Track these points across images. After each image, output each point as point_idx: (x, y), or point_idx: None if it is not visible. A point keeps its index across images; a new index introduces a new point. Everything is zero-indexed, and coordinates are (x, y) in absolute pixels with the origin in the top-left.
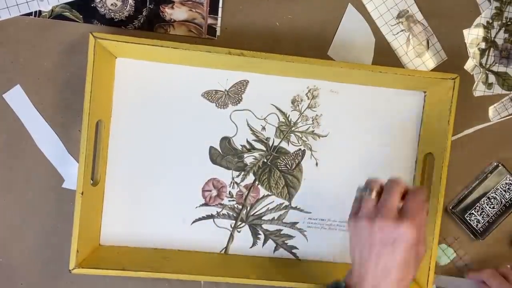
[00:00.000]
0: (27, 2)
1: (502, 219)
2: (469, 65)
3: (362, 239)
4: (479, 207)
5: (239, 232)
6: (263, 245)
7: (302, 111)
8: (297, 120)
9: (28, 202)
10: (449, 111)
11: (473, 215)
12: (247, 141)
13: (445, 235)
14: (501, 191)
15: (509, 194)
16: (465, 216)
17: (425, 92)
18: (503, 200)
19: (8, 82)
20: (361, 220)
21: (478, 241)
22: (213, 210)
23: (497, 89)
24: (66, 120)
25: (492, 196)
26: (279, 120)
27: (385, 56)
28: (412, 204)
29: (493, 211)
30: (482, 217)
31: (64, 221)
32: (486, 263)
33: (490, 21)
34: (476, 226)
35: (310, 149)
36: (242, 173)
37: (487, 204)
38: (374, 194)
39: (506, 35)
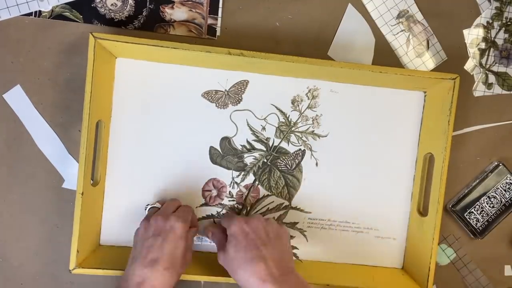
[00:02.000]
0: (27, 2)
1: (502, 219)
2: (469, 65)
3: (143, 235)
4: (479, 206)
5: None
6: None
7: (302, 111)
8: (297, 120)
9: (28, 202)
10: (449, 111)
11: (473, 214)
12: (247, 141)
13: (444, 234)
14: (501, 191)
15: (509, 193)
16: (465, 214)
17: (425, 92)
18: (503, 200)
19: (8, 82)
20: (143, 222)
21: (478, 241)
22: (213, 210)
23: (497, 89)
24: (66, 120)
25: (492, 196)
26: (279, 120)
27: (385, 56)
28: (181, 209)
29: (493, 210)
30: (482, 216)
31: (64, 221)
32: (486, 263)
33: (490, 21)
34: (476, 225)
35: (310, 149)
36: (242, 173)
37: (487, 203)
38: (155, 206)
39: (506, 35)
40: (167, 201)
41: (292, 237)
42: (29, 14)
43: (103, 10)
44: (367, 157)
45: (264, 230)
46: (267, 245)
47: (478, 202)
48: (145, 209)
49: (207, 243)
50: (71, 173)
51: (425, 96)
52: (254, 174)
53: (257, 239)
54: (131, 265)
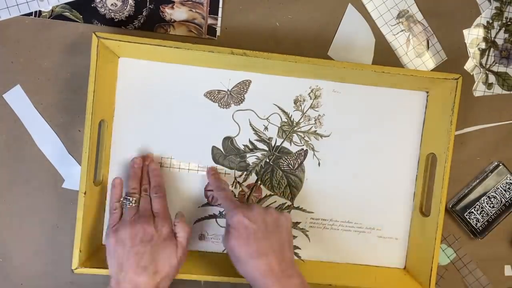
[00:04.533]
0: (27, 2)
1: (502, 219)
2: (469, 65)
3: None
4: (479, 206)
5: None
6: None
7: (304, 111)
8: (299, 120)
9: (28, 202)
10: (451, 111)
11: (473, 214)
12: (250, 141)
13: (444, 234)
14: (501, 191)
15: (509, 193)
16: (465, 214)
17: (427, 92)
18: (503, 200)
19: (8, 82)
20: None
21: (478, 241)
22: (215, 210)
23: (497, 89)
24: (66, 120)
25: (492, 195)
26: (281, 120)
27: (385, 56)
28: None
29: (493, 210)
30: (482, 216)
31: (64, 221)
32: (486, 263)
33: (490, 21)
34: (476, 225)
35: (313, 149)
36: (245, 173)
37: (487, 203)
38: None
39: (506, 35)
40: (141, 196)
41: (294, 236)
42: (29, 14)
43: (103, 10)
44: (369, 157)
45: (264, 221)
46: (267, 238)
47: (478, 202)
48: (124, 205)
49: (208, 243)
50: (71, 173)
51: (427, 96)
52: (257, 174)
53: (257, 231)
54: (120, 273)
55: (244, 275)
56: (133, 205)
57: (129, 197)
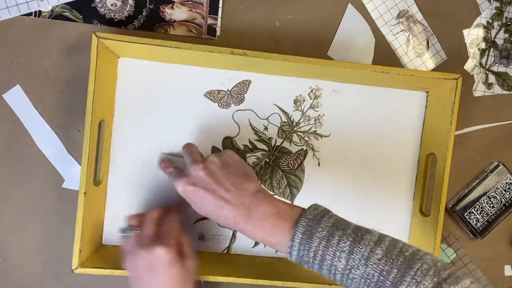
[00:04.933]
0: (27, 2)
1: (502, 219)
2: (469, 65)
3: (133, 273)
4: (479, 206)
5: None
6: (265, 245)
7: (304, 111)
8: (299, 120)
9: (28, 202)
10: (451, 111)
11: (473, 214)
12: (250, 141)
13: (444, 234)
14: (501, 191)
15: (509, 193)
16: (465, 214)
17: (427, 92)
18: (503, 200)
19: (8, 82)
20: (125, 257)
21: (478, 241)
22: None
23: (497, 89)
24: (66, 120)
25: (492, 196)
26: (281, 120)
27: (385, 56)
28: (163, 228)
29: (492, 210)
30: (482, 216)
31: (64, 221)
32: (486, 263)
33: (490, 21)
34: (476, 225)
35: (313, 149)
36: None
37: (487, 203)
38: (131, 233)
39: (506, 35)
40: (146, 219)
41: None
42: (29, 14)
43: (103, 10)
44: (369, 157)
45: (207, 174)
46: (220, 185)
47: (478, 202)
48: (122, 233)
49: (208, 243)
50: (71, 173)
51: (427, 96)
52: (256, 174)
53: (208, 188)
54: None
55: (229, 227)
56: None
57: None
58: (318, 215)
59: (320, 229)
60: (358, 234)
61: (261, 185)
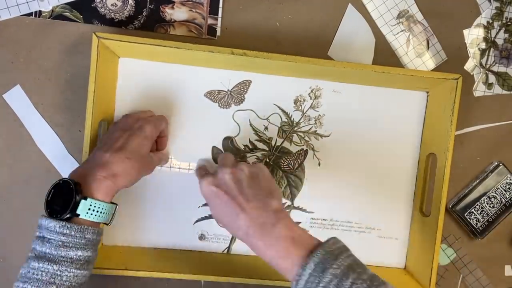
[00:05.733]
0: (27, 2)
1: (502, 219)
2: (469, 65)
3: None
4: (479, 206)
5: None
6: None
7: (304, 111)
8: (299, 120)
9: (28, 202)
10: (451, 111)
11: (473, 214)
12: (250, 141)
13: (444, 234)
14: (501, 191)
15: (509, 193)
16: (465, 214)
17: (427, 92)
18: (503, 200)
19: (8, 82)
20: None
21: (478, 241)
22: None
23: (497, 89)
24: (66, 120)
25: (492, 196)
26: (281, 120)
27: (385, 56)
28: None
29: (493, 210)
30: (482, 216)
31: None
32: (486, 263)
33: (490, 21)
34: (476, 225)
35: (313, 149)
36: None
37: (487, 203)
38: None
39: (506, 35)
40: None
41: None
42: (29, 14)
43: (103, 10)
44: (369, 157)
45: (233, 179)
46: (241, 194)
47: (478, 202)
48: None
49: (208, 243)
50: None
51: (427, 96)
52: None
53: (228, 192)
54: (94, 152)
55: (239, 238)
56: None
57: None
58: (336, 251)
59: (335, 266)
60: (374, 283)
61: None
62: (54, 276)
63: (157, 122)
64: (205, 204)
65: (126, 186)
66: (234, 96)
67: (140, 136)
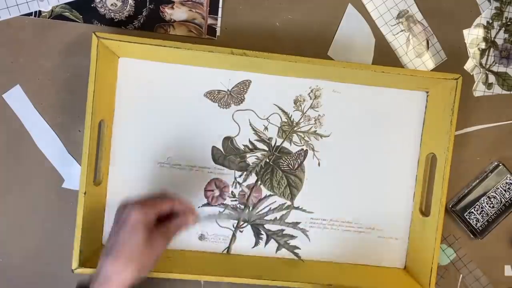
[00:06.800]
0: (27, 2)
1: (502, 219)
2: (469, 65)
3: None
4: (479, 206)
5: (241, 232)
6: (265, 245)
7: (304, 111)
8: (299, 120)
9: (28, 202)
10: (451, 111)
11: (473, 214)
12: (250, 141)
13: (444, 234)
14: (501, 191)
15: (509, 193)
16: (465, 214)
17: (427, 92)
18: (503, 200)
19: (8, 82)
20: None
21: (478, 241)
22: (215, 210)
23: (497, 89)
24: (66, 120)
25: (492, 196)
26: (281, 120)
27: (385, 56)
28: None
29: (492, 210)
30: (482, 216)
31: (64, 221)
32: (486, 263)
33: (490, 21)
34: (475, 225)
35: (313, 149)
36: (245, 173)
37: (487, 203)
38: None
39: (506, 35)
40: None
41: (292, 236)
42: (29, 14)
43: (103, 10)
44: (369, 157)
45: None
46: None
47: (478, 202)
48: None
49: (208, 243)
50: (71, 173)
51: (427, 96)
52: (257, 174)
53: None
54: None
55: None
56: None
57: None
58: None
59: None
60: None
61: None
62: None
63: (147, 204)
64: (205, 205)
65: (131, 280)
66: (234, 96)
67: (127, 228)
